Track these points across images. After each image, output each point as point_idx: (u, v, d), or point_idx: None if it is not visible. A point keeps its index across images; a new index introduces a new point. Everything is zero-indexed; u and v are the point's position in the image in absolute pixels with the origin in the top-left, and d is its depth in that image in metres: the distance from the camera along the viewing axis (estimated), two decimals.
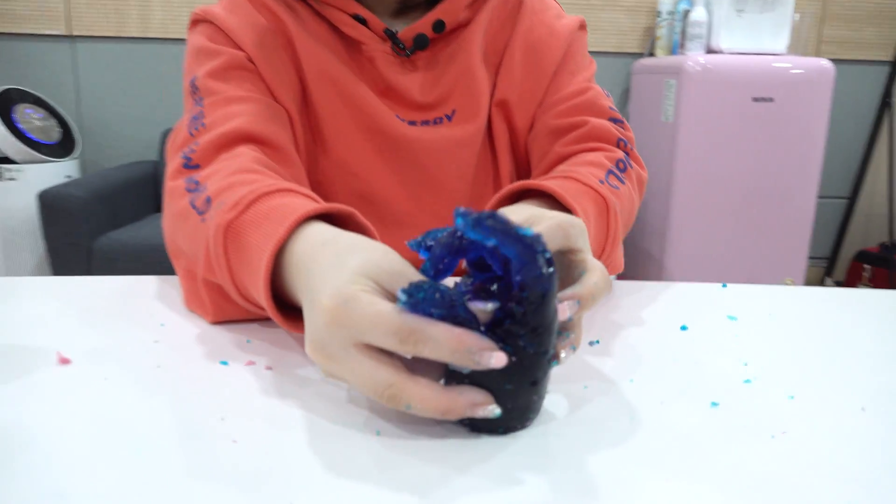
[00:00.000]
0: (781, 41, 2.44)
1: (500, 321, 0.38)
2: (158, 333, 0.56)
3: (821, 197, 2.47)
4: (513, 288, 0.37)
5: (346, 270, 0.41)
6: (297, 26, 0.72)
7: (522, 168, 0.82)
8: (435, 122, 0.76)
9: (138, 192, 2.60)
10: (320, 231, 0.49)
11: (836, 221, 2.87)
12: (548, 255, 0.37)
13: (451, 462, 0.38)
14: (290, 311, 0.50)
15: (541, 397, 0.41)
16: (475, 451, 0.39)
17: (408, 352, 0.38)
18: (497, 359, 0.37)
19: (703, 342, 0.57)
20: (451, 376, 0.40)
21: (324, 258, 0.44)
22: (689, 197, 2.43)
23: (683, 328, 0.59)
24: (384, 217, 0.76)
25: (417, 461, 0.38)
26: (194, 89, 0.69)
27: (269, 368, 0.50)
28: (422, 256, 0.42)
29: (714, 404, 0.46)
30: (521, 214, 0.51)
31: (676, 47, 2.63)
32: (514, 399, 0.40)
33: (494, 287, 0.39)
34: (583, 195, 0.63)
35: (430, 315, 0.37)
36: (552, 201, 0.61)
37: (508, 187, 0.65)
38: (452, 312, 0.38)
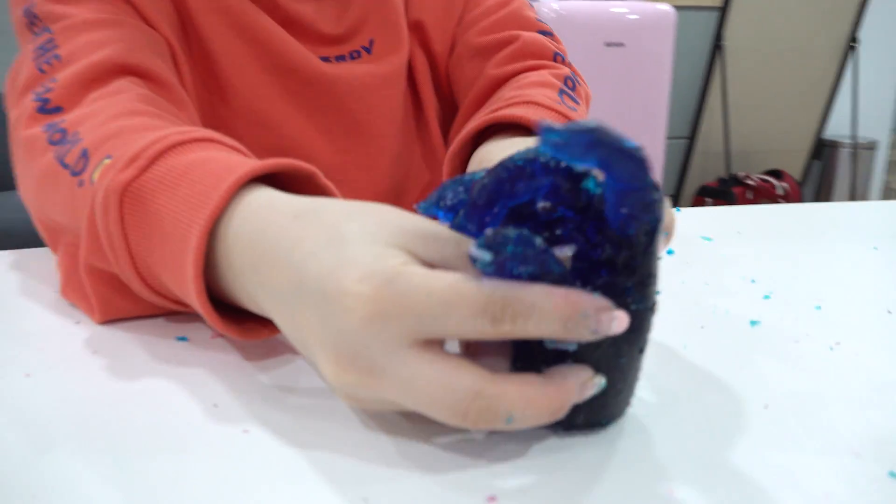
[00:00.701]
0: None
1: (589, 274, 0.28)
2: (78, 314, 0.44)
3: (668, 138, 2.61)
4: (610, 226, 0.28)
5: (360, 242, 0.29)
6: None
7: (447, 103, 0.72)
8: (353, 57, 0.64)
9: None
10: (278, 199, 0.34)
11: (680, 160, 3.06)
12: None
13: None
14: (226, 310, 0.36)
15: (641, 369, 0.32)
16: (550, 483, 0.28)
17: (504, 334, 0.26)
18: (619, 321, 0.27)
19: (698, 264, 0.54)
20: (532, 362, 0.29)
21: (308, 234, 0.31)
22: None
23: (670, 252, 0.57)
24: None
25: None
26: (32, 19, 0.51)
27: (215, 406, 0.34)
28: (442, 221, 0.32)
29: (754, 323, 0.43)
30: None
31: None
32: (624, 375, 0.30)
33: (558, 232, 0.29)
34: (554, 120, 0.55)
35: (519, 277, 0.27)
36: (523, 135, 0.53)
37: (470, 126, 0.54)
38: (546, 268, 0.27)
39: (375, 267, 0.27)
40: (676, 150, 3.04)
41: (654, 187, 0.28)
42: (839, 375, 0.37)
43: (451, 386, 0.26)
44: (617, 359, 0.29)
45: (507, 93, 0.60)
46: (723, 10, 2.87)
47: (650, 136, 2.55)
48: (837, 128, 3.18)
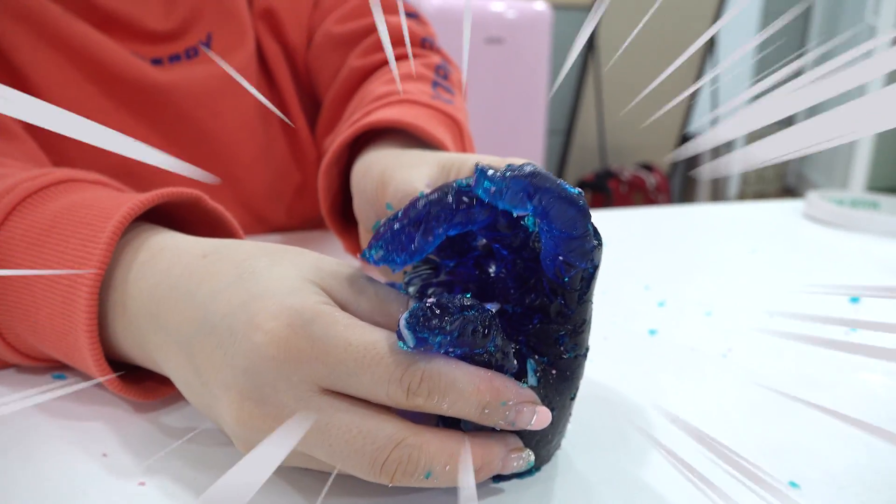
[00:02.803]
0: None
1: (521, 320, 0.28)
2: None
3: (547, 132, 2.69)
4: (545, 273, 0.27)
5: (273, 277, 0.27)
6: None
7: (309, 97, 0.65)
8: (189, 56, 0.55)
9: None
10: (182, 240, 0.31)
11: (559, 154, 3.17)
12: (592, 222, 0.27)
13: None
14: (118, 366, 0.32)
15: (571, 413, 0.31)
16: None
17: (417, 407, 0.25)
18: (540, 416, 0.26)
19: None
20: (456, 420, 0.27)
21: (217, 271, 0.28)
22: None
23: None
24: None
25: None
26: None
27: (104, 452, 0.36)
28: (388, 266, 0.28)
29: (652, 332, 0.45)
30: (398, 163, 0.39)
31: None
32: (556, 426, 0.29)
33: (492, 270, 0.29)
34: (434, 120, 0.48)
35: (447, 353, 0.25)
36: (403, 138, 0.47)
37: (346, 134, 0.47)
38: (477, 351, 0.25)
39: (292, 302, 0.25)
40: (555, 145, 3.14)
41: (593, 234, 0.27)
42: (733, 384, 0.38)
43: (370, 433, 0.24)
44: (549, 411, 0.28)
45: (376, 88, 0.54)
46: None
47: (530, 131, 2.62)
48: (700, 124, 3.40)
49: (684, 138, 3.41)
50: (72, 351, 0.31)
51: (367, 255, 0.27)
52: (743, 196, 3.73)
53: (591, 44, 3.01)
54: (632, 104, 3.01)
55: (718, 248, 0.64)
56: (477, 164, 0.25)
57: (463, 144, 0.51)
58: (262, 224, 0.62)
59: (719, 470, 0.31)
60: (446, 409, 0.25)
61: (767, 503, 0.25)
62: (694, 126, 3.42)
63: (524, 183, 0.25)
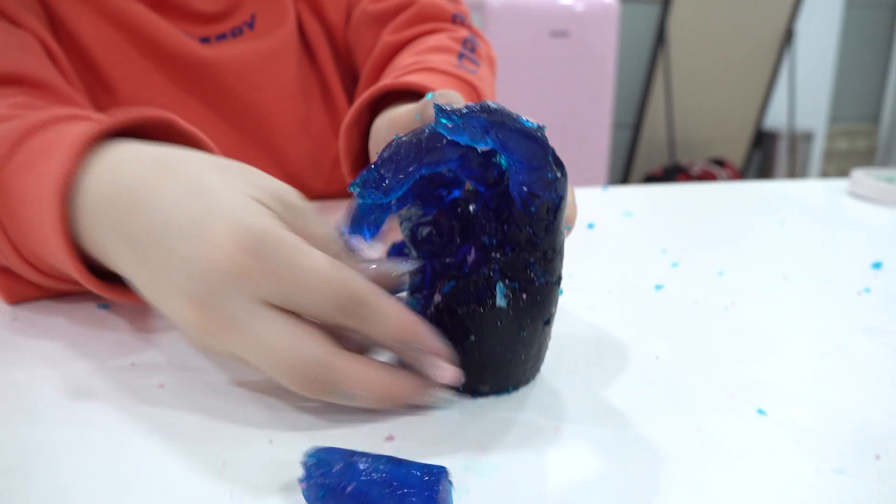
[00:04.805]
0: None
1: (496, 249, 0.30)
2: None
3: (614, 127, 2.67)
4: (514, 204, 0.29)
5: (225, 194, 0.29)
6: None
7: (349, 73, 0.69)
8: (234, 35, 0.61)
9: None
10: (141, 149, 0.34)
11: (626, 148, 3.13)
12: (554, 154, 0.29)
13: (458, 440, 0.29)
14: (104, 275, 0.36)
15: (550, 338, 0.33)
16: (481, 425, 0.30)
17: (351, 328, 0.29)
18: (443, 372, 0.29)
19: (615, 236, 0.57)
20: (442, 325, 0.31)
21: (168, 182, 0.31)
22: None
23: (591, 226, 0.60)
24: None
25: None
26: None
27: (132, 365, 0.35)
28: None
29: (658, 287, 0.46)
30: (410, 119, 0.41)
31: None
32: (527, 347, 0.31)
33: (472, 207, 0.31)
34: (452, 86, 0.52)
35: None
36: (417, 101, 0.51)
37: (365, 95, 0.51)
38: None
39: (246, 220, 0.28)
40: (623, 139, 3.11)
41: (555, 166, 0.28)
42: (728, 330, 0.40)
43: (298, 350, 0.27)
44: (518, 332, 0.30)
45: (404, 60, 0.58)
46: (666, 3, 2.94)
47: (596, 125, 2.60)
48: (776, 118, 3.29)
49: (760, 134, 3.31)
50: (57, 254, 0.34)
51: (349, 189, 0.30)
52: None
53: (661, 35, 2.96)
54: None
55: (748, 219, 0.64)
56: (435, 104, 0.28)
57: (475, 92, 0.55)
58: (302, 192, 0.67)
59: (689, 396, 0.32)
60: (374, 337, 0.29)
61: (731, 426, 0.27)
62: (770, 120, 3.31)
63: (480, 118, 0.27)
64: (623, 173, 3.17)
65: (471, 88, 0.53)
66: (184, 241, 0.29)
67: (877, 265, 0.50)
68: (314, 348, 0.28)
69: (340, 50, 0.68)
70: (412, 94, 0.50)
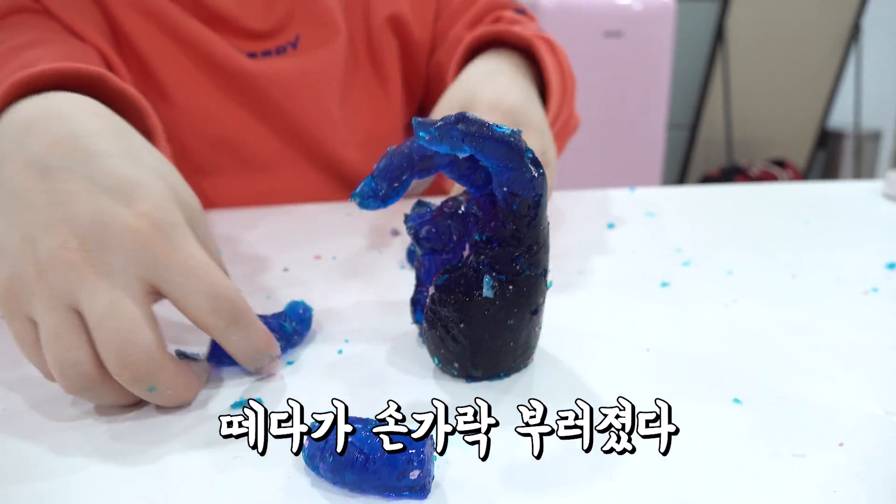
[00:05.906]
0: None
1: (485, 245, 0.33)
2: None
3: (668, 127, 2.64)
4: (499, 202, 0.32)
5: (156, 177, 0.33)
6: None
7: (414, 87, 0.76)
8: (278, 52, 0.66)
9: None
10: (82, 98, 0.37)
11: (682, 149, 3.08)
12: (531, 155, 0.31)
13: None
14: None
15: (541, 327, 0.36)
16: (467, 401, 0.33)
17: (211, 327, 0.32)
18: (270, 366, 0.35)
19: (632, 235, 0.59)
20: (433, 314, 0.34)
21: (105, 134, 0.34)
22: None
23: (611, 226, 0.61)
24: (250, 161, 0.68)
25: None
26: None
27: None
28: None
29: (664, 284, 0.48)
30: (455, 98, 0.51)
31: None
32: (515, 335, 0.34)
33: (463, 209, 0.34)
34: (539, 41, 0.60)
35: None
36: (508, 52, 0.60)
37: (464, 44, 0.61)
38: None
39: (165, 207, 0.31)
40: (679, 140, 3.07)
41: (532, 165, 0.31)
42: (723, 326, 0.41)
43: (137, 332, 0.29)
44: (506, 321, 0.33)
45: (476, 33, 0.63)
46: (725, 1, 2.89)
47: (650, 126, 2.58)
48: (841, 117, 3.18)
49: (824, 133, 3.21)
50: None
51: (352, 198, 0.33)
52: None
53: (719, 34, 2.91)
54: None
55: (770, 220, 0.64)
56: (413, 118, 0.30)
57: (559, 60, 0.62)
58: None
59: (672, 386, 0.34)
60: (230, 341, 0.32)
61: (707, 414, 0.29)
62: (835, 119, 3.21)
63: (457, 129, 0.29)
64: (679, 174, 3.13)
65: (545, 42, 0.61)
66: (109, 193, 0.31)
67: (891, 265, 0.51)
68: (148, 337, 0.30)
69: (416, 68, 0.74)
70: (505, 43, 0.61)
